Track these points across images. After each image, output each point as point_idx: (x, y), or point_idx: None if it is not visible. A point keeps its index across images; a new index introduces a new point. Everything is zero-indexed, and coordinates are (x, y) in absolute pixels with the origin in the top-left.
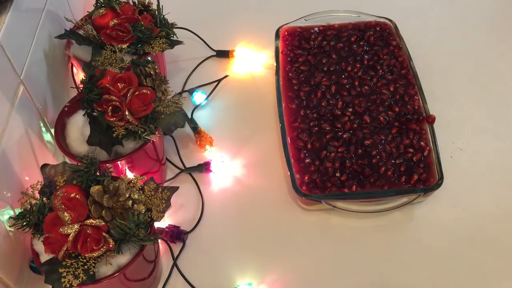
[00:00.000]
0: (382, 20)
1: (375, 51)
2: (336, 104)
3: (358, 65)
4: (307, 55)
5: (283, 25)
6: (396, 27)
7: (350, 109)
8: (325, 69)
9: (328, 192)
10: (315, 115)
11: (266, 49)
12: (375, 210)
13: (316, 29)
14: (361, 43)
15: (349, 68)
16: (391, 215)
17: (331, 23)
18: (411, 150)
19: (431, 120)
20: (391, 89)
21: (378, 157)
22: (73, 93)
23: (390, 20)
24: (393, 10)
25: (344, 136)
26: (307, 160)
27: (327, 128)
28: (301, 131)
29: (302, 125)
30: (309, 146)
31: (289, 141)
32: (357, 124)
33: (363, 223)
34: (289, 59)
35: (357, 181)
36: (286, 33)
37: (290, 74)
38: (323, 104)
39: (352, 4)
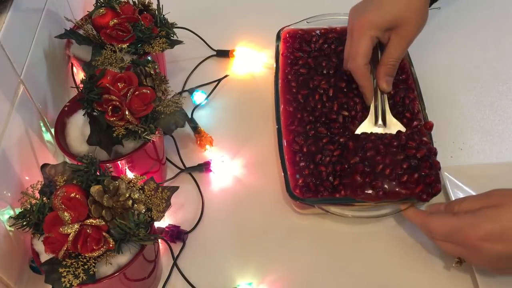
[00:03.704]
0: None
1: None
2: (332, 107)
3: None
4: (307, 58)
5: (285, 27)
6: None
7: (346, 113)
8: (324, 72)
9: (321, 196)
10: (311, 118)
11: (266, 49)
12: (370, 215)
13: (318, 31)
14: None
15: (348, 72)
16: (388, 218)
17: (333, 26)
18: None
19: (429, 126)
20: (391, 92)
21: None
22: (73, 93)
23: None
24: None
25: (341, 140)
26: (301, 164)
27: (324, 132)
28: (298, 134)
29: (298, 128)
30: (305, 149)
31: (285, 144)
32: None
33: (357, 228)
34: (289, 61)
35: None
36: (287, 35)
37: (289, 77)
38: (319, 106)
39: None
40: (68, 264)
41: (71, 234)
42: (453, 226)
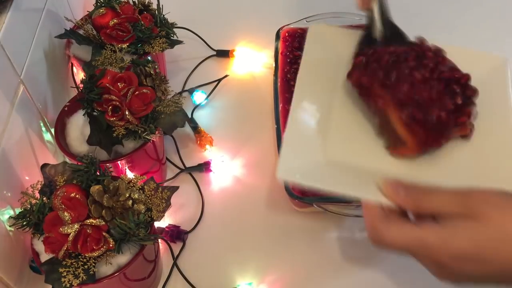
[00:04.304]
0: None
1: None
2: None
3: None
4: None
5: (284, 26)
6: None
7: None
8: None
9: (320, 195)
10: None
11: (266, 49)
12: None
13: None
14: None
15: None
16: None
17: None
18: None
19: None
20: None
21: None
22: (73, 92)
23: None
24: (395, 13)
25: None
26: None
27: None
28: None
29: None
30: None
31: None
32: None
33: (356, 227)
34: (288, 60)
35: None
36: (286, 34)
37: (289, 76)
38: None
39: (354, 6)
40: (68, 264)
41: (71, 234)
42: (416, 241)
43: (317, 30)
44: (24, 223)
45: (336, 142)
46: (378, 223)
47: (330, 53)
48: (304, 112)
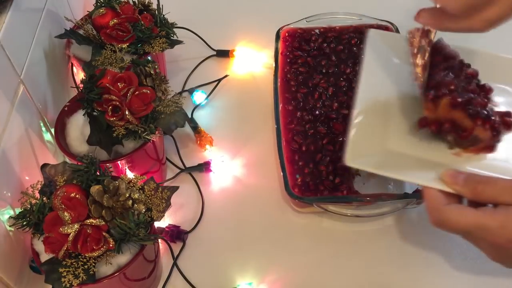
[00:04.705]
0: (384, 23)
1: None
2: (332, 105)
3: (357, 68)
4: (307, 57)
5: (284, 26)
6: (397, 31)
7: (346, 111)
8: (323, 71)
9: (321, 195)
10: (311, 117)
11: (266, 49)
12: (369, 214)
13: (317, 30)
14: (362, 45)
15: (348, 71)
16: (385, 218)
17: (332, 25)
18: None
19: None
20: None
21: None
22: (73, 92)
23: (392, 24)
24: (395, 13)
25: (340, 139)
26: (300, 163)
27: (323, 132)
28: (297, 133)
29: (298, 127)
30: (304, 148)
31: (284, 142)
32: None
33: (356, 227)
34: (288, 60)
35: (351, 185)
36: (286, 34)
37: (289, 76)
38: (318, 105)
39: (354, 6)
40: (68, 264)
41: (71, 234)
42: (476, 224)
43: (376, 33)
44: (24, 223)
45: (398, 134)
46: (441, 206)
47: (390, 52)
48: (369, 105)
